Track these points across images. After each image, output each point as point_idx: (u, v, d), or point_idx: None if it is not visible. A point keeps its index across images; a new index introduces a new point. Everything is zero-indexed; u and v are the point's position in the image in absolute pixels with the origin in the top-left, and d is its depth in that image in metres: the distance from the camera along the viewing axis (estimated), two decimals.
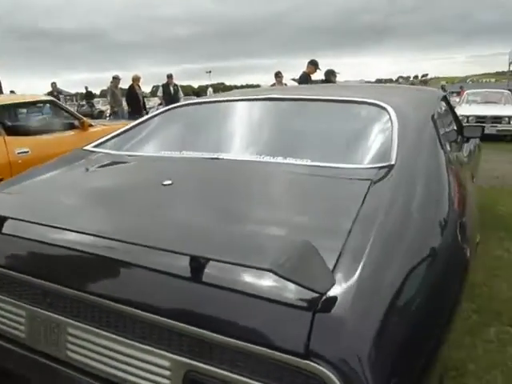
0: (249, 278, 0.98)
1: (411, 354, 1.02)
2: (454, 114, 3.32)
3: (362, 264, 1.02)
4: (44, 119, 5.33)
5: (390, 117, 1.85)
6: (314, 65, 7.83)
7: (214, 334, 0.94)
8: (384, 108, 1.92)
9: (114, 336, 1.09)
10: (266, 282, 0.95)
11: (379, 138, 1.79)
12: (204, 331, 0.95)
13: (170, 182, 1.58)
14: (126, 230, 1.10)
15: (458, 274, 1.46)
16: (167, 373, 1.03)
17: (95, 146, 2.26)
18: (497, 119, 10.52)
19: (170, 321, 1.00)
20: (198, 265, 1.00)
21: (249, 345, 0.91)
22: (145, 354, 1.05)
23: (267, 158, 1.70)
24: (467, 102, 11.92)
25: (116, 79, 10.65)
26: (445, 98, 3.14)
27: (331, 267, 0.99)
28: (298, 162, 1.63)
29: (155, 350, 1.04)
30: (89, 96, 23.69)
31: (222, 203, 1.44)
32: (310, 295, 0.89)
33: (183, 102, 2.68)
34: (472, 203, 2.14)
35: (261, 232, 1.16)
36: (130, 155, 2.05)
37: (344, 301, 0.93)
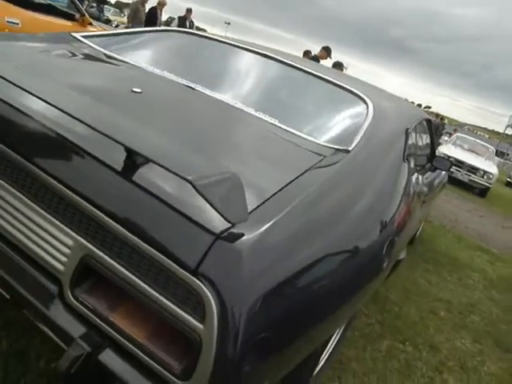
0: (173, 186, 1.01)
1: (289, 321, 1.04)
2: (432, 141, 3.41)
3: (277, 220, 1.06)
4: None
5: (368, 111, 1.89)
6: (326, 51, 7.79)
7: (119, 227, 0.97)
8: (365, 101, 1.97)
9: (29, 202, 1.11)
10: (186, 195, 0.97)
11: (348, 124, 1.83)
12: (111, 221, 0.98)
13: (140, 90, 1.59)
14: (73, 107, 1.09)
15: (364, 277, 1.50)
16: (67, 251, 1.06)
17: (84, 37, 2.22)
18: (473, 169, 10.84)
19: (82, 201, 1.02)
20: (129, 159, 1.02)
21: (148, 246, 0.95)
22: (52, 228, 1.08)
23: (239, 105, 1.72)
24: (454, 143, 12.20)
25: None
26: (428, 123, 3.22)
27: (249, 209, 1.03)
28: (266, 118, 1.66)
29: (63, 226, 1.06)
30: (101, 0, 22.65)
31: (179, 122, 1.46)
32: (219, 221, 0.92)
33: (188, 30, 2.64)
34: (410, 224, 2.23)
35: (198, 154, 1.17)
36: (112, 56, 2.02)
37: (248, 240, 0.97)
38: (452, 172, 10.70)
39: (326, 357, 2.01)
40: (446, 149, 11.48)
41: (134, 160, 1.03)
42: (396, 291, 3.38)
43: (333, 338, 2.05)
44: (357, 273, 1.39)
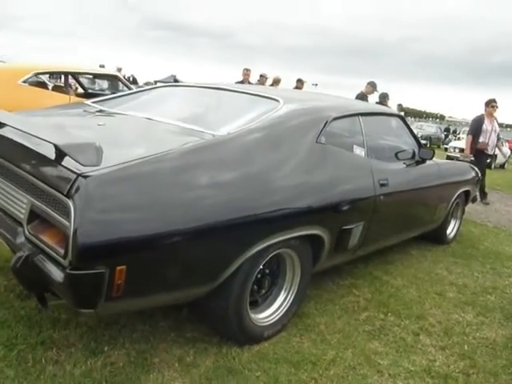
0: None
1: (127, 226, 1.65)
2: (413, 135, 3.70)
3: (122, 168, 1.70)
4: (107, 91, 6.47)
5: (277, 108, 2.45)
6: (372, 86, 8.24)
7: (35, 179, 1.75)
8: (277, 101, 2.53)
9: (3, 180, 1.95)
10: (66, 158, 1.67)
11: (246, 116, 2.38)
12: (37, 181, 1.77)
13: (103, 123, 2.40)
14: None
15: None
16: (24, 205, 1.83)
17: (92, 102, 3.13)
18: None
19: (25, 173, 1.84)
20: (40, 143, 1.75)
21: (50, 189, 1.70)
22: (17, 194, 1.88)
23: (167, 120, 2.44)
24: None
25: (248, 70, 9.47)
26: (401, 119, 3.58)
27: (110, 164, 1.68)
28: (186, 125, 2.34)
29: (22, 192, 1.86)
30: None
31: (106, 133, 2.19)
32: (81, 167, 1.62)
33: (167, 84, 3.46)
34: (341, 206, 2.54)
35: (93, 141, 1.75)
36: (102, 110, 2.86)
37: (97, 177, 1.62)
38: None
39: (273, 310, 2.44)
40: None
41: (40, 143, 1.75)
42: (402, 278, 3.55)
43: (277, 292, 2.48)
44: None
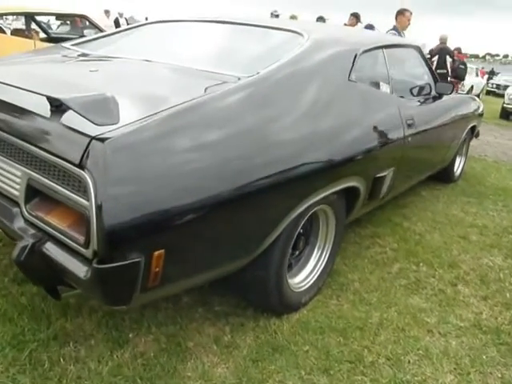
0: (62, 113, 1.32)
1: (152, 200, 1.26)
2: (429, 68, 3.38)
3: (146, 128, 1.32)
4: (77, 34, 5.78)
5: (303, 42, 2.06)
6: (355, 17, 7.74)
7: (29, 145, 1.36)
8: (301, 34, 2.13)
9: None
10: (67, 114, 1.30)
11: (270, 55, 1.99)
12: (33, 147, 1.37)
13: (95, 69, 1.95)
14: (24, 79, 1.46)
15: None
16: (18, 180, 1.44)
17: (71, 44, 2.64)
18: None
19: (14, 139, 1.43)
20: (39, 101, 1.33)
21: (53, 157, 1.31)
22: (8, 166, 1.48)
23: (170, 62, 2.03)
24: None
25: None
26: (418, 50, 3.22)
27: (129, 120, 1.29)
28: (188, 65, 1.96)
29: (14, 163, 1.46)
30: None
31: (103, 79, 1.77)
32: (94, 128, 1.22)
33: (157, 20, 2.95)
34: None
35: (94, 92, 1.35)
36: (84, 53, 2.39)
37: (118, 140, 1.24)
38: None
39: (306, 275, 2.18)
40: None
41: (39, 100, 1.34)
42: (422, 223, 3.38)
43: (313, 255, 2.22)
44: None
